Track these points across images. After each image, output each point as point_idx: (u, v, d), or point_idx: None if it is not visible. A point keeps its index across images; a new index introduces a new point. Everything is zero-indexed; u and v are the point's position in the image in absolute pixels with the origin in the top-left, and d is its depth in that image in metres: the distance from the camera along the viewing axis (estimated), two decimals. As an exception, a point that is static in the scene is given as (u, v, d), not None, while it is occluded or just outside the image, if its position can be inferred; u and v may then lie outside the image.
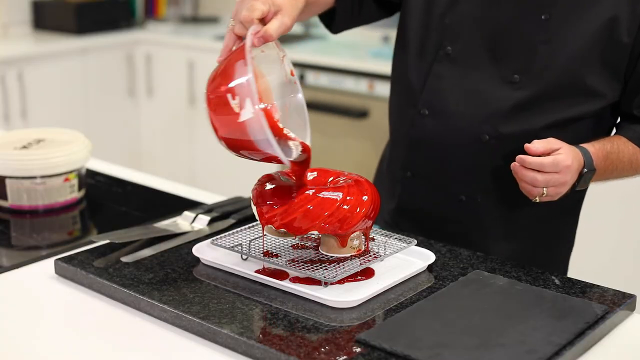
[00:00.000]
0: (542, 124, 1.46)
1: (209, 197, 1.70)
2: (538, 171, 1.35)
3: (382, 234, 1.35)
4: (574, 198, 1.58)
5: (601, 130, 1.52)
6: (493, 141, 1.48)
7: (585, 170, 1.40)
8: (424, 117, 1.54)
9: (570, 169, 1.36)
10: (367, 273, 1.25)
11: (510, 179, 1.42)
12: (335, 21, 1.62)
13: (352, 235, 1.24)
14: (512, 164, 1.37)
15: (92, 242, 1.39)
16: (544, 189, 1.36)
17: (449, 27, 1.50)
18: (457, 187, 1.54)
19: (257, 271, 1.25)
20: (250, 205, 1.27)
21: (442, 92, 1.51)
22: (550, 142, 1.36)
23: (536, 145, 1.35)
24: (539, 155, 1.35)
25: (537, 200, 1.38)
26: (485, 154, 1.49)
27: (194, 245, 1.35)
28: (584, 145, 1.42)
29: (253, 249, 1.29)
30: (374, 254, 1.27)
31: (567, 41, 1.42)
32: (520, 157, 1.36)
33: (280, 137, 1.20)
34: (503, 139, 1.47)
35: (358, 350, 1.05)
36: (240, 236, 1.35)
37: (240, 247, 1.29)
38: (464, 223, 1.56)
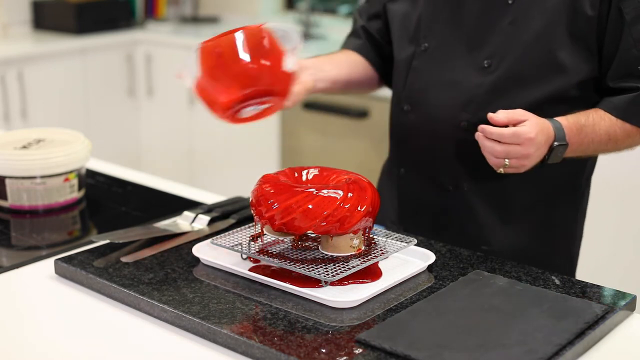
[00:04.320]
0: (520, 105, 1.45)
1: (209, 197, 1.70)
2: (498, 142, 1.35)
3: (382, 234, 1.35)
4: (569, 182, 1.58)
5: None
6: (473, 128, 1.48)
7: (556, 143, 1.39)
8: (406, 114, 1.59)
9: (534, 141, 1.35)
10: (374, 275, 1.24)
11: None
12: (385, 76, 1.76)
13: (352, 235, 1.24)
14: (476, 134, 1.39)
15: (92, 242, 1.39)
16: (506, 160, 1.36)
17: (424, 24, 1.56)
18: (444, 178, 1.57)
19: (257, 271, 1.25)
20: (250, 206, 1.27)
21: (421, 87, 1.56)
22: (516, 113, 1.37)
23: (499, 115, 1.37)
24: (503, 126, 1.36)
25: (502, 171, 1.39)
26: (467, 141, 1.50)
27: (194, 245, 1.36)
28: (557, 118, 1.42)
29: (253, 249, 1.29)
30: (373, 254, 1.27)
31: (532, 19, 1.45)
32: (482, 126, 1.37)
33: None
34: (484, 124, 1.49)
35: (358, 350, 1.05)
36: (240, 236, 1.35)
37: (240, 247, 1.29)
38: (457, 214, 1.58)
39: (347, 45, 1.78)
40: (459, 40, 1.52)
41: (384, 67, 1.74)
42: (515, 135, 1.34)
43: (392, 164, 1.68)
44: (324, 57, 1.72)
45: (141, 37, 4.18)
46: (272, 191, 1.23)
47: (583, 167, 1.60)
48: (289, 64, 1.25)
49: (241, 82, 1.25)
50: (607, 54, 1.45)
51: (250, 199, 1.27)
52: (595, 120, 1.45)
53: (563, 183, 1.57)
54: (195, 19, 4.52)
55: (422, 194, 1.61)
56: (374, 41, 1.73)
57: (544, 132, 1.37)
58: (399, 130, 1.63)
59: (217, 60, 1.25)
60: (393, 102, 1.67)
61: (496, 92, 1.48)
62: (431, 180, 1.59)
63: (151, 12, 4.53)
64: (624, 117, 1.45)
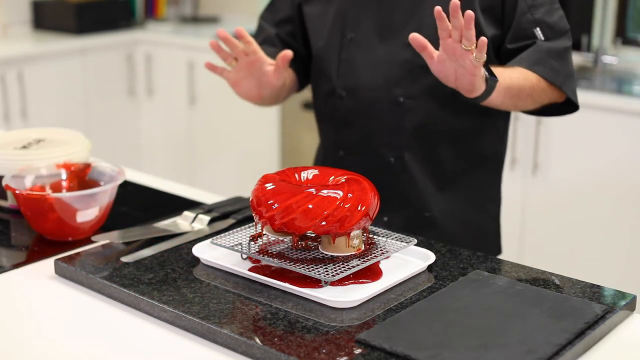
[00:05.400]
0: None
1: (209, 197, 1.70)
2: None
3: (382, 234, 1.35)
4: (492, 150, 1.73)
5: None
6: (408, 101, 1.63)
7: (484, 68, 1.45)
8: (343, 99, 1.70)
9: None
10: (374, 275, 1.24)
11: (429, 134, 1.64)
12: (301, 81, 1.85)
13: (352, 235, 1.24)
14: (448, 42, 1.39)
15: (92, 242, 1.40)
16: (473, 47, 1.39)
17: (348, 17, 1.68)
18: (384, 151, 1.68)
19: (257, 271, 1.25)
20: (250, 206, 1.27)
21: (353, 72, 1.68)
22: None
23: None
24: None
25: (474, 54, 1.38)
26: (403, 114, 1.65)
27: (194, 245, 1.36)
28: None
29: (253, 249, 1.29)
30: (373, 254, 1.27)
31: None
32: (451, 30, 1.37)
33: None
34: (416, 97, 1.63)
35: (358, 350, 1.05)
36: (240, 236, 1.35)
37: (240, 247, 1.29)
38: (399, 184, 1.68)
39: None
40: (383, 26, 1.64)
41: (303, 69, 1.83)
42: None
43: (328, 149, 1.77)
44: None
45: (141, 37, 4.19)
46: (272, 191, 1.24)
47: (503, 136, 1.75)
48: (81, 217, 1.44)
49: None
50: (507, 19, 1.60)
51: (250, 199, 1.27)
52: (507, 68, 1.56)
53: (488, 150, 1.72)
54: (195, 19, 4.52)
55: (364, 171, 1.64)
56: (289, 46, 1.79)
57: None
58: (336, 117, 1.72)
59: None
60: (322, 93, 1.75)
61: (425, 65, 1.54)
62: (372, 156, 1.69)
63: (151, 12, 4.53)
64: (528, 67, 1.56)
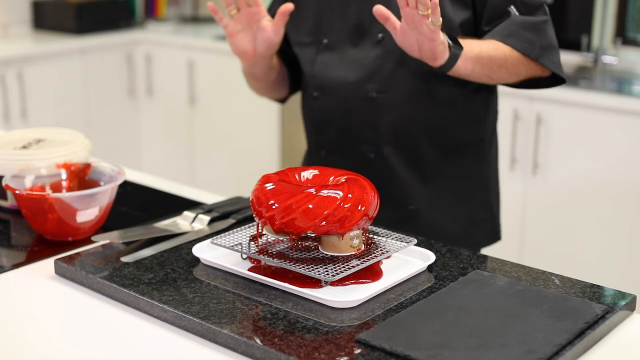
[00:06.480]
0: (420, 65, 1.56)
1: (209, 197, 1.70)
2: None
3: (382, 234, 1.35)
4: (475, 136, 1.72)
5: None
6: (381, 96, 1.66)
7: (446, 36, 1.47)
8: (317, 99, 1.74)
9: None
10: (374, 275, 1.24)
11: (406, 127, 1.65)
12: (291, 90, 1.90)
13: (352, 235, 1.25)
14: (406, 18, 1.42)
15: (92, 242, 1.40)
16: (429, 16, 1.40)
17: (322, 22, 1.72)
18: (363, 148, 1.70)
19: (257, 271, 1.25)
20: (250, 206, 1.27)
21: (327, 73, 1.72)
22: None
23: None
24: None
25: (429, 18, 1.40)
26: (377, 109, 1.67)
27: (194, 245, 1.36)
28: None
29: (253, 249, 1.29)
30: (374, 254, 1.27)
31: None
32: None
33: None
34: (389, 92, 1.65)
35: (358, 350, 1.05)
36: (240, 236, 1.35)
37: (240, 247, 1.29)
38: (381, 180, 1.67)
39: None
40: (354, 26, 1.67)
41: (296, 72, 1.86)
42: None
43: (312, 150, 1.81)
44: None
45: (141, 37, 4.18)
46: (272, 191, 1.24)
47: (485, 122, 1.74)
48: (81, 217, 1.44)
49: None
50: (480, 5, 1.61)
51: (250, 199, 1.27)
52: (477, 40, 1.57)
53: (468, 138, 1.72)
54: (195, 19, 4.52)
55: (346, 169, 1.65)
56: (282, 47, 1.82)
57: None
58: (313, 116, 1.77)
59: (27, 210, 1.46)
60: (304, 95, 1.81)
61: (395, 59, 1.59)
62: (352, 153, 1.72)
63: (151, 12, 4.53)
64: (501, 39, 1.57)
